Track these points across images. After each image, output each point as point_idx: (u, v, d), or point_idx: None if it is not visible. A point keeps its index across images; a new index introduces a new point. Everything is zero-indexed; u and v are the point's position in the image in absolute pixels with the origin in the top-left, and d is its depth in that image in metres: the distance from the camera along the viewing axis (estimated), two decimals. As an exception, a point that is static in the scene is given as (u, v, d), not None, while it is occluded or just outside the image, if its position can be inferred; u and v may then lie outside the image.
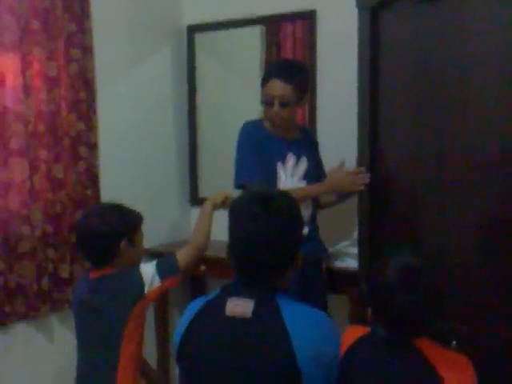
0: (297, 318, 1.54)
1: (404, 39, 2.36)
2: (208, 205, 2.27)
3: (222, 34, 3.45)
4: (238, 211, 1.64)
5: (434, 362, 1.50)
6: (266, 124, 2.58)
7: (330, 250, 2.81)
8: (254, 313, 1.53)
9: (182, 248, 2.19)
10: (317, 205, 2.68)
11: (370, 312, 1.67)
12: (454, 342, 2.22)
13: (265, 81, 2.52)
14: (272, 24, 3.32)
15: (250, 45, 3.41)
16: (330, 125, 2.76)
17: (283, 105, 2.47)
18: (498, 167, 2.24)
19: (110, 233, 2.07)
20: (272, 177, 2.52)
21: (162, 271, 2.08)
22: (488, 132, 2.24)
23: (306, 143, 2.67)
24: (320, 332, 1.55)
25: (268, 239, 1.56)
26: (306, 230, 2.54)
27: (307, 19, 3.17)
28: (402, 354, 1.55)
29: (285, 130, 2.57)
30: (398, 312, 1.54)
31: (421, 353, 1.52)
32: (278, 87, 2.46)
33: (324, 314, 1.62)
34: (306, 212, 2.55)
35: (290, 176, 2.56)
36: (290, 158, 2.56)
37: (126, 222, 2.13)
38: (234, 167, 2.57)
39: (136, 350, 2.11)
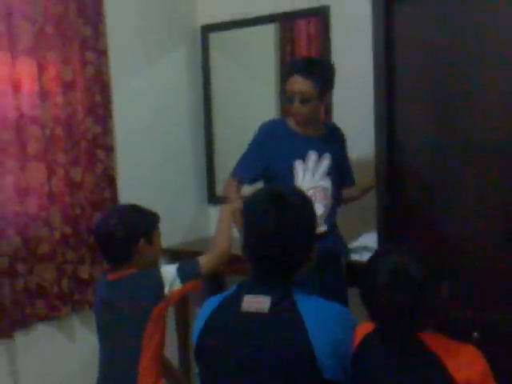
0: (313, 311, 1.54)
1: (418, 32, 2.35)
2: (225, 210, 2.27)
3: (236, 33, 3.44)
4: (250, 208, 1.65)
5: (441, 357, 1.47)
6: (290, 121, 2.58)
7: (350, 245, 2.80)
8: (270, 308, 1.54)
9: (205, 254, 2.20)
10: (338, 199, 2.67)
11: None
12: (476, 334, 2.19)
13: (286, 77, 2.53)
14: (286, 21, 3.31)
15: (265, 43, 3.41)
16: (345, 120, 2.75)
17: (304, 101, 2.46)
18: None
19: (128, 232, 2.09)
20: (288, 174, 2.51)
21: (183, 274, 2.08)
22: (507, 120, 2.21)
23: (332, 139, 2.65)
24: (337, 324, 1.55)
25: (280, 236, 1.56)
26: (325, 227, 2.56)
27: (321, 15, 3.15)
28: (405, 350, 1.52)
29: (308, 126, 2.56)
30: (385, 314, 1.52)
31: (424, 346, 1.49)
32: (298, 83, 2.45)
33: (340, 306, 1.62)
34: (325, 209, 2.55)
35: (310, 174, 2.54)
36: (312, 155, 2.54)
37: (144, 221, 2.15)
38: (241, 157, 2.64)
39: (157, 352, 2.11)
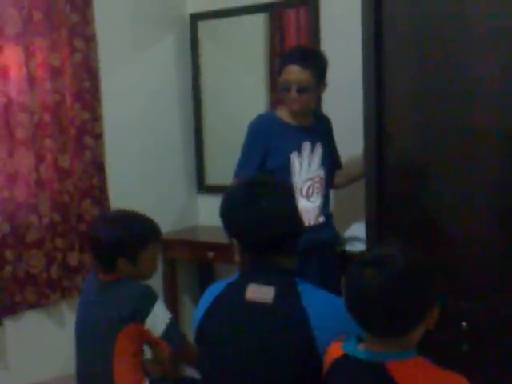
0: (317, 304, 1.54)
1: (408, 21, 2.36)
2: None
3: (225, 22, 3.44)
4: (226, 198, 1.66)
5: None
6: (281, 113, 2.56)
7: (342, 234, 2.82)
8: (274, 299, 1.54)
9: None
10: (330, 185, 2.68)
11: None
12: (465, 324, 2.22)
13: (281, 67, 2.51)
14: (275, 11, 3.31)
15: (254, 32, 3.41)
16: (334, 110, 2.76)
17: (301, 90, 2.45)
18: (509, 147, 2.24)
19: (111, 246, 2.02)
20: (286, 167, 2.50)
21: (167, 332, 1.99)
22: (496, 111, 2.23)
23: (321, 127, 2.65)
24: (341, 317, 1.53)
25: (257, 222, 1.57)
26: (323, 218, 2.57)
27: (310, 5, 3.15)
28: (371, 378, 1.38)
29: (301, 116, 2.55)
30: (362, 292, 1.39)
31: (390, 379, 1.34)
32: (295, 72, 2.44)
33: (343, 301, 1.60)
34: (321, 199, 2.57)
35: (307, 164, 2.54)
36: (306, 146, 2.54)
37: (129, 240, 2.05)
38: (239, 158, 2.60)
39: (133, 360, 2.02)
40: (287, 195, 1.70)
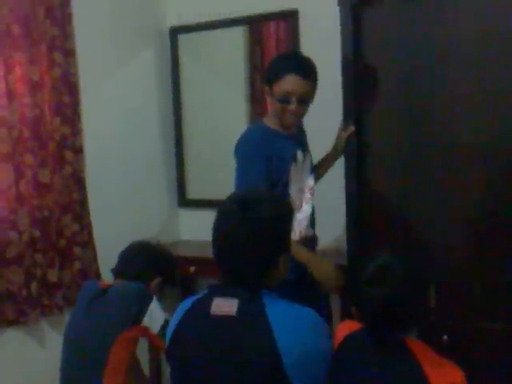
0: (281, 314, 1.54)
1: (386, 35, 2.39)
2: None
3: (205, 35, 3.45)
4: (219, 212, 1.64)
5: (422, 362, 1.50)
6: (269, 122, 2.41)
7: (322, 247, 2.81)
8: (238, 311, 1.54)
9: None
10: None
11: (353, 310, 1.68)
12: (446, 337, 2.24)
13: (278, 76, 2.31)
14: (255, 24, 3.34)
15: (234, 45, 3.43)
16: (314, 124, 2.76)
17: (301, 102, 2.31)
18: (484, 160, 2.27)
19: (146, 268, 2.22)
20: (286, 180, 2.38)
21: (164, 330, 2.02)
22: (473, 124, 2.27)
23: (303, 135, 2.58)
24: (305, 328, 1.55)
25: (243, 242, 1.56)
26: (311, 231, 2.50)
27: (290, 19, 3.18)
28: (389, 351, 1.55)
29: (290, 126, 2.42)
30: (371, 307, 1.56)
31: (409, 352, 1.52)
32: (297, 83, 2.28)
33: (310, 310, 1.61)
34: (309, 210, 2.47)
35: (306, 173, 2.45)
36: (299, 155, 2.42)
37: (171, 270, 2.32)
38: (240, 177, 2.36)
39: (122, 370, 2.07)
40: (275, 219, 1.62)
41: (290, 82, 2.29)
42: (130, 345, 2.08)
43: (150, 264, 2.24)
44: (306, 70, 2.31)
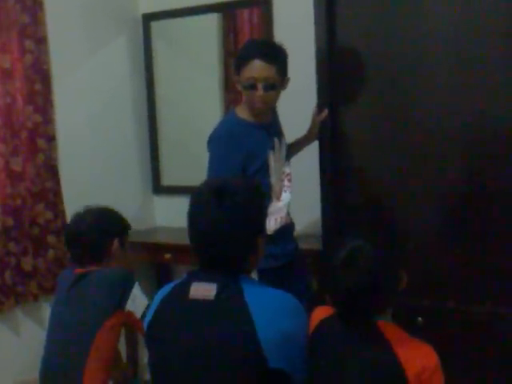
0: (259, 298, 1.56)
1: (361, 21, 2.40)
2: None
3: (178, 22, 3.43)
4: (194, 199, 1.65)
5: (394, 346, 1.51)
6: (242, 113, 2.38)
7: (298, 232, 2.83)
8: (216, 295, 1.56)
9: None
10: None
11: (327, 298, 1.69)
12: (420, 319, 2.28)
13: (243, 63, 2.29)
14: (228, 11, 3.33)
15: (207, 32, 3.41)
16: (288, 112, 2.77)
17: (268, 87, 2.27)
18: (464, 147, 2.30)
19: (103, 231, 2.13)
20: (265, 169, 2.37)
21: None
22: (453, 111, 2.29)
23: (278, 122, 2.56)
24: (284, 314, 1.57)
25: (222, 228, 1.57)
26: (290, 219, 2.48)
27: (263, 5, 3.18)
28: (361, 336, 1.57)
29: (263, 114, 2.39)
30: (344, 290, 1.56)
31: (382, 335, 1.54)
32: (261, 68, 2.25)
33: (287, 294, 1.63)
34: (287, 197, 2.43)
35: (283, 160, 2.42)
36: (276, 143, 2.40)
37: (119, 222, 2.21)
38: (213, 168, 2.34)
39: (106, 360, 2.07)
40: (251, 205, 1.63)
41: (254, 67, 2.26)
42: (115, 331, 2.08)
43: (99, 235, 2.13)
44: (271, 55, 2.27)
